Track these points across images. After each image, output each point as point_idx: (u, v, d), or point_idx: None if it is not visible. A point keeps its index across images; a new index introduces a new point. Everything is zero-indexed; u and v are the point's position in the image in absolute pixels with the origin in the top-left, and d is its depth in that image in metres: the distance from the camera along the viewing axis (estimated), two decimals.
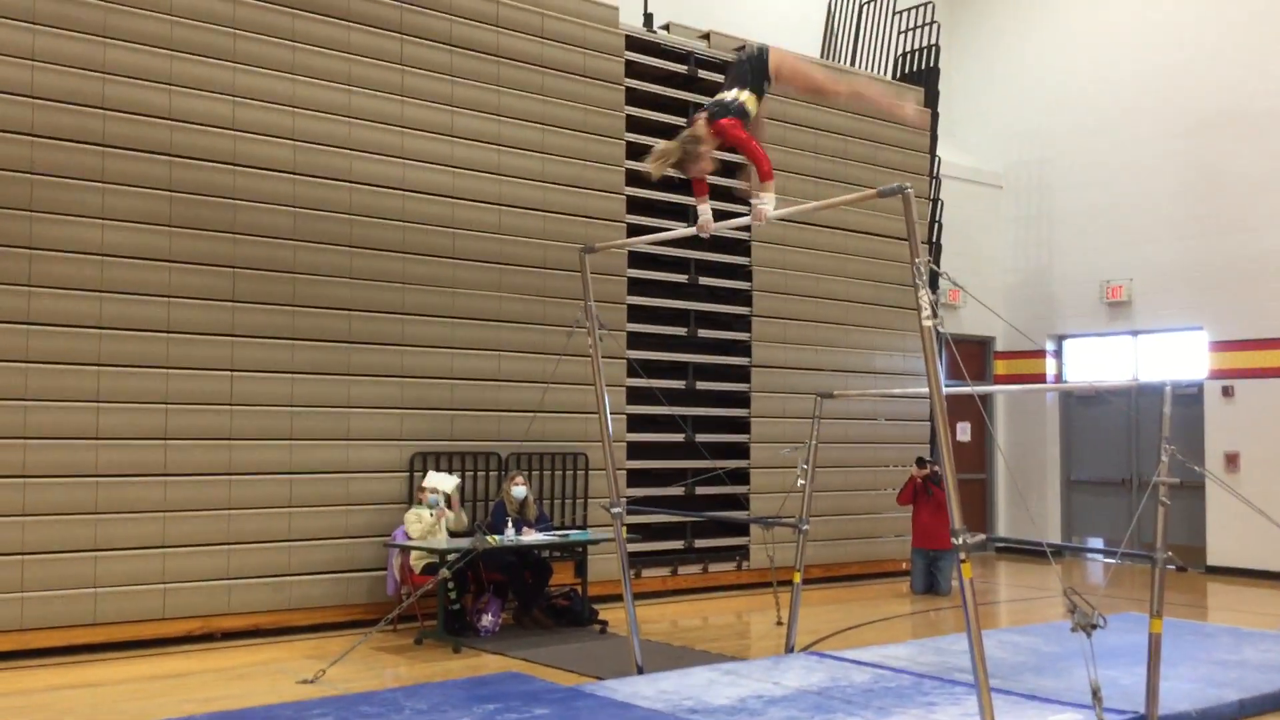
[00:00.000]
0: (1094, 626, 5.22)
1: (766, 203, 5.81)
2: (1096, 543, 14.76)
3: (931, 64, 13.86)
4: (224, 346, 8.60)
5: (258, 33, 8.82)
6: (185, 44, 8.50)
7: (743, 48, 6.32)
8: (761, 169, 5.79)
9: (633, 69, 11.02)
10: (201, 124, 8.56)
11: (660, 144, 6.03)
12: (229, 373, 8.61)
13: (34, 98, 7.89)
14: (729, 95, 5.94)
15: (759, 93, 6.00)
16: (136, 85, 8.29)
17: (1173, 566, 6.03)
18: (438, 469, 9.38)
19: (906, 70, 14.01)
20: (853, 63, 13.90)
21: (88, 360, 8.04)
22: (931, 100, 13.71)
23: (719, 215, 6.42)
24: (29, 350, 7.83)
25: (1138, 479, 13.95)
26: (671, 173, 6.03)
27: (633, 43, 11.07)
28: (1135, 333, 14.33)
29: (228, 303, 8.63)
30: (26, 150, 7.86)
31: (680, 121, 11.23)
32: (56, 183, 7.97)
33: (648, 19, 11.55)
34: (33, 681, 7.17)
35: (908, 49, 14.03)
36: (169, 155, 8.41)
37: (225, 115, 8.66)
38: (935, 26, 13.82)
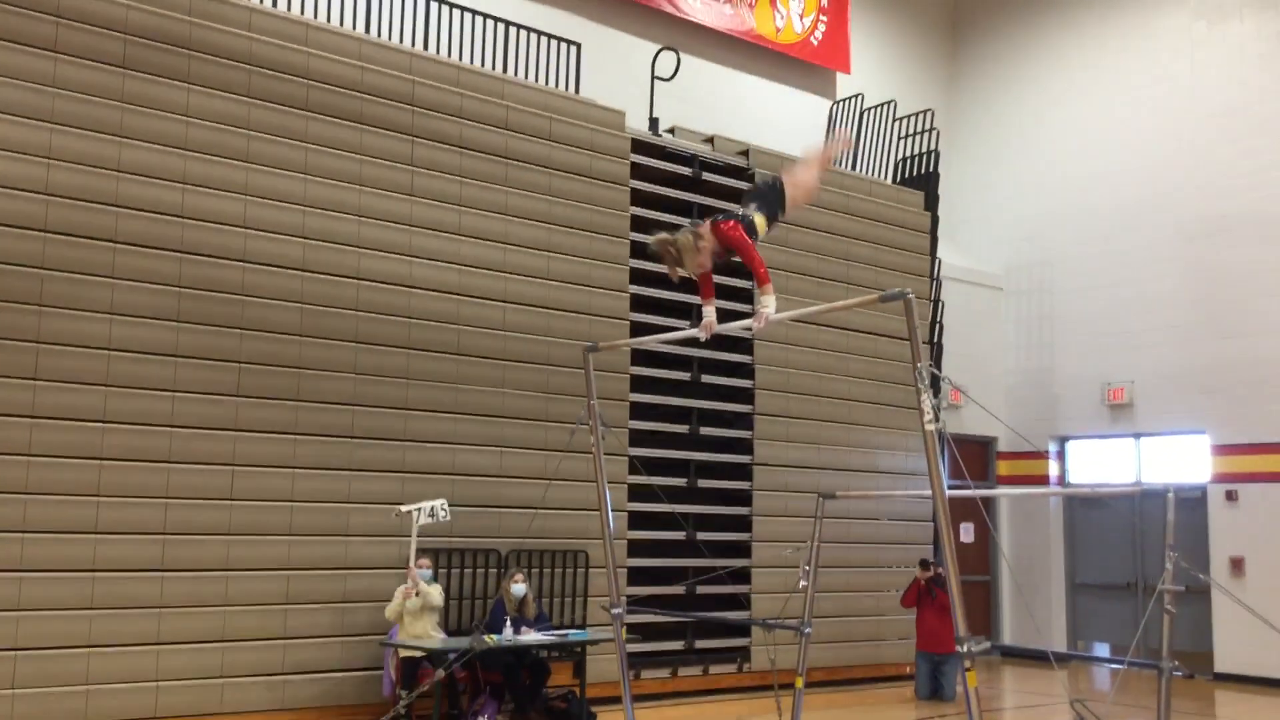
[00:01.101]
0: None
1: (767, 305, 5.89)
2: (1103, 646, 14.55)
3: (931, 169, 14.09)
4: (226, 441, 8.61)
5: (272, 134, 9.00)
6: (200, 144, 8.67)
7: (752, 177, 6.59)
8: (758, 273, 5.91)
9: (638, 171, 11.22)
10: (213, 222, 8.69)
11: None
12: (230, 468, 8.61)
13: (49, 195, 8.03)
14: (742, 210, 6.13)
15: (771, 219, 6.18)
16: (151, 184, 8.44)
17: (1180, 674, 5.95)
18: (436, 566, 9.30)
19: (907, 175, 14.24)
20: (854, 167, 14.14)
21: (90, 454, 8.04)
22: (932, 204, 13.91)
23: (722, 315, 6.49)
24: (31, 444, 7.84)
25: (1143, 582, 13.80)
26: (669, 270, 6.13)
27: (638, 145, 11.29)
28: (1138, 435, 14.32)
29: (232, 397, 8.67)
30: (39, 246, 7.97)
31: (685, 222, 11.42)
32: (66, 278, 8.06)
33: (653, 123, 11.79)
34: None
35: (908, 154, 14.27)
36: (180, 252, 8.52)
37: (237, 213, 8.80)
38: (935, 133, 14.09)
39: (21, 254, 7.90)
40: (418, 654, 8.50)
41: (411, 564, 8.70)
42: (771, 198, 6.24)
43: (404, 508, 8.79)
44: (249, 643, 8.53)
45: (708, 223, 6.00)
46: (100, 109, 8.27)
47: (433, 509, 8.86)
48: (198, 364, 8.54)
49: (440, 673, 7.90)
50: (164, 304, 8.44)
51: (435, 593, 8.79)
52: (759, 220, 6.08)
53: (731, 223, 5.94)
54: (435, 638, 8.69)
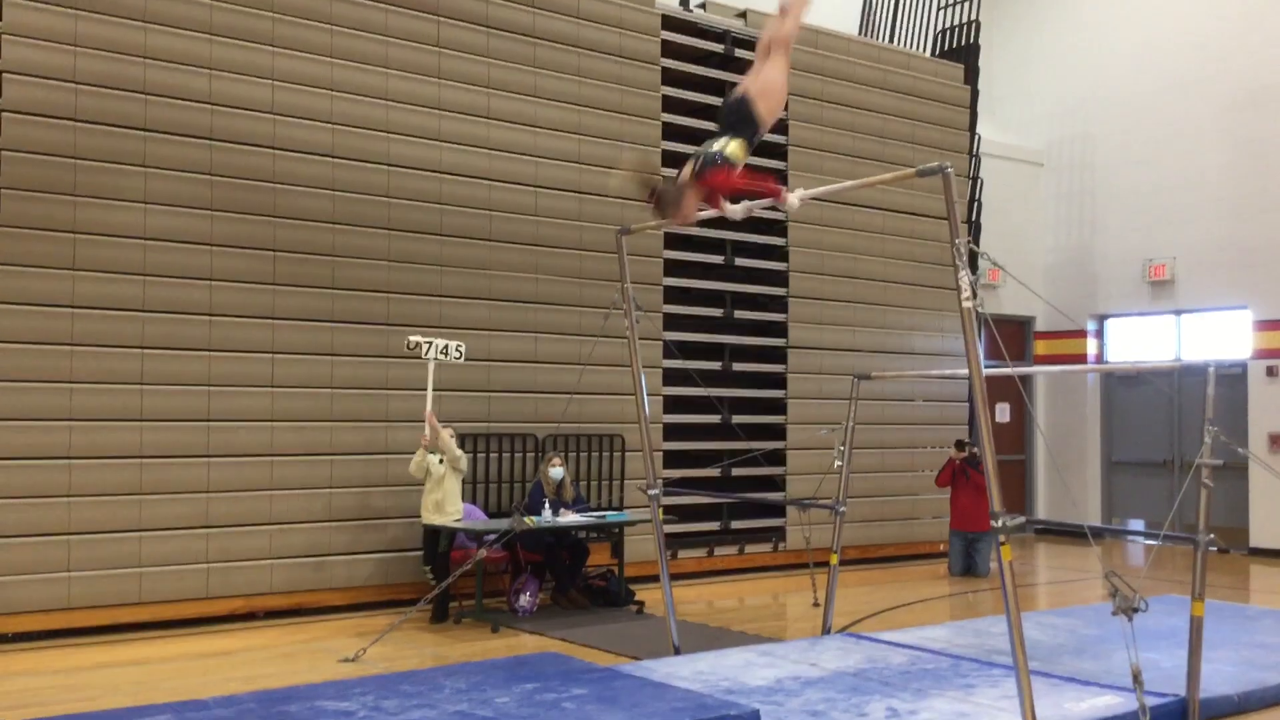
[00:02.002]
0: (1135, 610, 5.17)
1: (794, 191, 5.74)
2: (1138, 524, 14.63)
3: (972, 40, 13.70)
4: (265, 329, 8.69)
5: (296, 16, 8.86)
6: (224, 28, 8.56)
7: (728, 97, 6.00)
8: (772, 193, 5.69)
9: (669, 48, 10.98)
10: (241, 108, 8.63)
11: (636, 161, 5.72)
12: (270, 355, 8.70)
13: (77, 83, 7.98)
14: (715, 145, 5.61)
15: (749, 141, 5.69)
16: (177, 70, 8.37)
17: (1215, 549, 5.96)
18: (475, 451, 9.42)
19: (946, 47, 13.86)
20: (892, 39, 13.77)
21: (131, 343, 8.15)
22: (971, 77, 13.55)
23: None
24: (74, 334, 7.95)
25: (1180, 460, 13.79)
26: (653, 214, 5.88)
27: (669, 22, 11.02)
28: (1178, 312, 14.15)
29: (268, 285, 8.72)
30: (70, 135, 7.95)
31: (717, 101, 11.21)
32: (99, 167, 8.07)
33: None
34: (80, 659, 7.31)
35: (947, 25, 13.87)
36: (209, 139, 8.49)
37: (264, 99, 8.72)
38: (975, 2, 13.65)
39: (54, 143, 7.90)
40: (439, 523, 8.62)
41: (429, 407, 8.64)
42: (742, 115, 5.68)
43: (414, 338, 8.70)
44: (296, 525, 8.74)
45: (688, 172, 5.58)
46: None
47: (446, 347, 8.77)
48: (233, 252, 8.57)
49: (482, 551, 8.06)
50: (197, 192, 8.44)
51: (461, 455, 8.80)
52: (737, 149, 5.58)
53: (716, 171, 5.51)
54: (459, 507, 8.78)
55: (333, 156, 9.01)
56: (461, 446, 9.37)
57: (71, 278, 7.95)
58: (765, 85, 5.81)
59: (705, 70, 11.24)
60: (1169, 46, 14.14)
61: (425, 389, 8.69)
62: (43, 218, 7.85)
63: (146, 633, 8.02)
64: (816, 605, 9.02)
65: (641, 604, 9.10)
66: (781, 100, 5.95)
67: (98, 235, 8.06)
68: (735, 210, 5.98)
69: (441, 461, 8.73)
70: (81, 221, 7.99)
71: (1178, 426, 14.06)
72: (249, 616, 8.53)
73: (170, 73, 8.34)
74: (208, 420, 8.42)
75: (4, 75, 7.76)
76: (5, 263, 7.73)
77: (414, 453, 8.75)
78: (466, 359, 9.02)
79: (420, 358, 8.71)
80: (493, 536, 8.19)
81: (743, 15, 11.76)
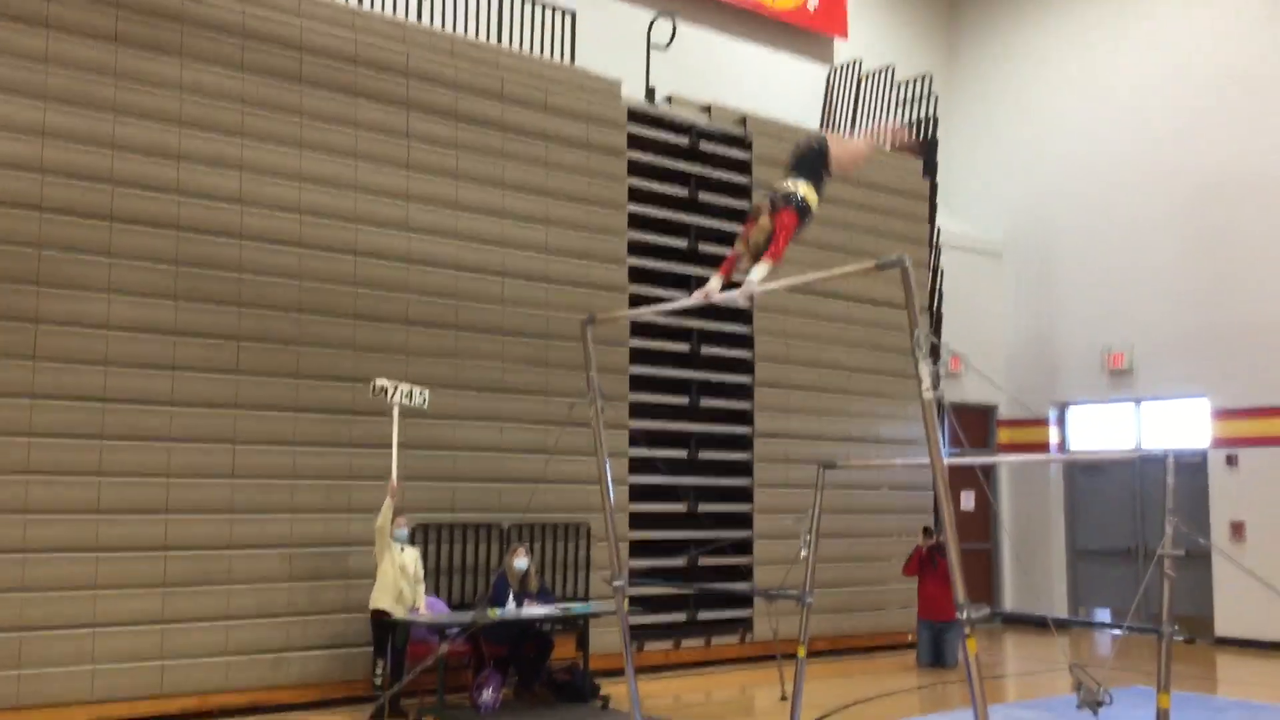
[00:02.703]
0: (1100, 704, 5.15)
1: (756, 273, 5.84)
2: (1104, 612, 14.61)
3: (930, 135, 14.02)
4: (226, 419, 8.60)
5: (265, 108, 8.94)
6: (193, 120, 8.61)
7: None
8: (772, 249, 5.84)
9: (635, 141, 11.16)
10: (209, 198, 8.65)
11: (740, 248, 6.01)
12: (231, 445, 8.60)
13: (43, 172, 7.98)
14: (791, 186, 5.95)
15: (818, 186, 6.04)
16: (145, 160, 8.39)
17: (1180, 639, 5.96)
18: (439, 541, 9.31)
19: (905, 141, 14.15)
20: (852, 133, 14.05)
21: (90, 434, 8.04)
22: (930, 170, 13.84)
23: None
24: (32, 424, 7.83)
25: (1144, 548, 13.83)
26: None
27: (635, 115, 11.22)
28: (1138, 400, 14.32)
29: (231, 374, 8.65)
30: (35, 225, 7.93)
31: (682, 192, 11.39)
32: (64, 257, 8.03)
33: (649, 92, 11.71)
34: None
35: (906, 120, 14.19)
36: (176, 229, 8.48)
37: (232, 189, 8.76)
38: (934, 99, 14.00)
39: (18, 233, 7.87)
40: (391, 612, 8.43)
41: (394, 454, 8.54)
42: (814, 160, 6.05)
43: (380, 382, 8.65)
44: (252, 620, 8.56)
45: (765, 210, 5.88)
46: (93, 85, 8.21)
47: (410, 392, 8.74)
48: (196, 341, 8.52)
49: (444, 646, 7.92)
50: (161, 282, 8.41)
51: (411, 558, 8.67)
52: (810, 196, 5.94)
53: (790, 213, 5.82)
54: (419, 597, 8.63)
55: (300, 246, 9.03)
56: (424, 536, 9.27)
57: (31, 367, 7.86)
58: (849, 146, 6.37)
59: (670, 162, 11.42)
60: (1124, 139, 14.52)
61: (390, 447, 8.56)
62: (5, 307, 7.79)
63: None
64: (784, 699, 8.89)
65: (607, 699, 8.95)
66: (853, 164, 6.48)
67: (60, 325, 7.99)
68: (712, 288, 6.08)
69: (403, 550, 8.60)
70: (44, 311, 7.93)
71: (1140, 515, 14.13)
72: (203, 715, 8.30)
73: (138, 163, 8.36)
74: (165, 512, 8.28)
75: None
76: None
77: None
78: (432, 448, 8.94)
79: (385, 403, 8.63)
80: (456, 630, 8.05)
81: (707, 110, 12.00)
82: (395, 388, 8.66)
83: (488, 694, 8.57)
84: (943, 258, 14.01)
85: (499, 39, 10.77)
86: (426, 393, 8.84)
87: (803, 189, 5.92)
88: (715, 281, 6.14)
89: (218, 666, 8.38)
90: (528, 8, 11.09)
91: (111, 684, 7.94)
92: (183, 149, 8.54)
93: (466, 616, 8.30)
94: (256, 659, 8.54)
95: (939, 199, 13.98)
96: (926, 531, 11.52)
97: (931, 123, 14.04)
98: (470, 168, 9.96)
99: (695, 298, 6.21)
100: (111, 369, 8.15)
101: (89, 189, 8.16)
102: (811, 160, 6.08)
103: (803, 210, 5.88)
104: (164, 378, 8.35)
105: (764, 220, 5.85)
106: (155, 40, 8.46)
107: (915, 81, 14.04)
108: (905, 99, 14.14)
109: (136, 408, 8.22)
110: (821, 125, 14.26)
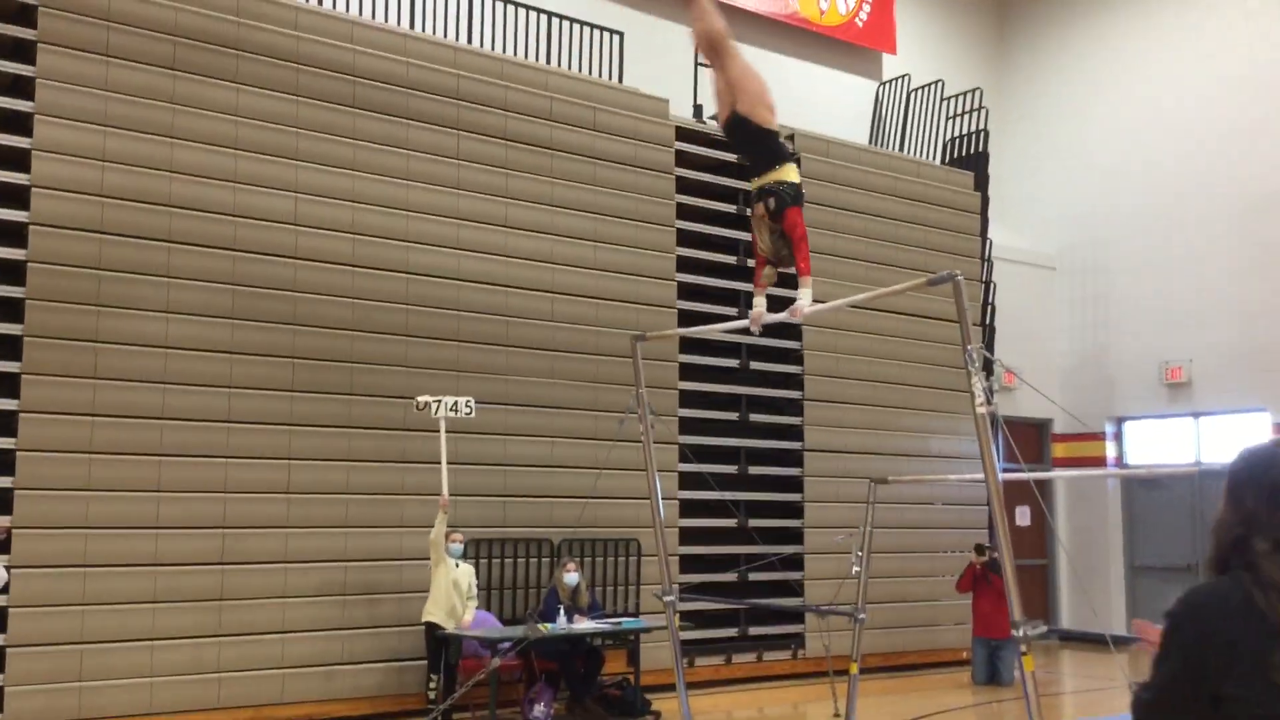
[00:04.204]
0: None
1: (803, 298, 5.80)
2: None
3: (981, 148, 13.92)
4: (282, 435, 8.73)
5: (319, 131, 9.10)
6: (249, 143, 8.78)
7: (730, 125, 5.94)
8: (800, 265, 5.73)
9: (683, 158, 11.20)
10: (264, 219, 8.81)
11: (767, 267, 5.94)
12: (286, 461, 8.73)
13: (104, 196, 8.18)
14: (773, 177, 5.75)
15: (782, 153, 5.88)
16: (203, 183, 8.57)
17: None
18: (490, 556, 9.37)
19: (956, 155, 14.08)
20: (902, 148, 14.00)
21: (150, 450, 8.20)
22: (981, 184, 13.74)
23: (775, 304, 6.42)
24: (93, 441, 8.00)
25: (1203, 564, 13.54)
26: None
27: (682, 133, 11.27)
28: (1196, 414, 14.08)
29: (286, 392, 8.78)
30: (95, 247, 8.12)
31: (730, 208, 11.41)
32: (123, 278, 8.21)
33: (697, 110, 11.75)
34: None
35: (957, 134, 14.11)
36: (232, 250, 8.65)
37: (287, 210, 8.91)
38: (984, 112, 13.91)
39: (79, 255, 8.06)
40: (443, 625, 8.48)
41: (444, 468, 8.49)
42: (755, 134, 5.82)
43: (423, 399, 8.62)
44: (307, 634, 8.66)
45: (763, 212, 5.74)
46: (152, 110, 8.40)
47: (455, 404, 8.65)
48: (252, 360, 8.66)
49: (496, 660, 7.96)
50: (218, 301, 8.57)
51: (465, 574, 8.69)
52: (791, 176, 5.73)
53: (796, 210, 5.65)
54: (469, 612, 8.66)
55: (353, 266, 9.16)
56: (476, 551, 9.34)
57: (93, 386, 8.04)
58: (743, 87, 5.80)
59: (719, 179, 11.44)
60: (1178, 153, 14.33)
61: (440, 467, 8.58)
62: (66, 328, 7.98)
63: None
64: (838, 716, 8.83)
65: (658, 714, 8.94)
66: (763, 85, 5.89)
67: (120, 344, 8.17)
68: (759, 313, 6.05)
69: (457, 565, 8.66)
70: (104, 330, 8.11)
71: (1200, 530, 13.85)
72: None
73: (195, 186, 8.54)
74: (222, 527, 8.42)
75: (33, 189, 7.96)
76: (28, 372, 7.84)
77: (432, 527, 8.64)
78: (483, 464, 8.99)
79: (430, 417, 8.59)
80: (507, 645, 8.09)
81: None
82: (439, 401, 8.68)
83: (539, 709, 8.60)
84: (995, 271, 13.89)
85: (548, 60, 10.88)
86: (473, 402, 8.87)
87: (781, 175, 5.72)
88: (760, 303, 6.10)
89: (274, 679, 8.48)
90: (576, 29, 11.19)
91: (170, 696, 8.07)
92: (239, 171, 8.72)
93: (518, 631, 8.33)
94: (311, 672, 8.64)
95: (991, 213, 13.87)
96: (979, 549, 11.38)
97: (983, 136, 13.95)
98: (520, 187, 10.05)
99: (749, 324, 6.17)
100: (169, 388, 8.31)
101: (148, 211, 8.34)
102: (755, 140, 5.83)
103: (798, 197, 5.70)
104: (221, 395, 8.50)
105: (767, 237, 5.75)
106: (211, 66, 8.65)
107: (965, 95, 13.96)
108: (955, 113, 14.07)
109: (194, 425, 8.38)
110: (871, 139, 14.21)
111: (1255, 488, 2.20)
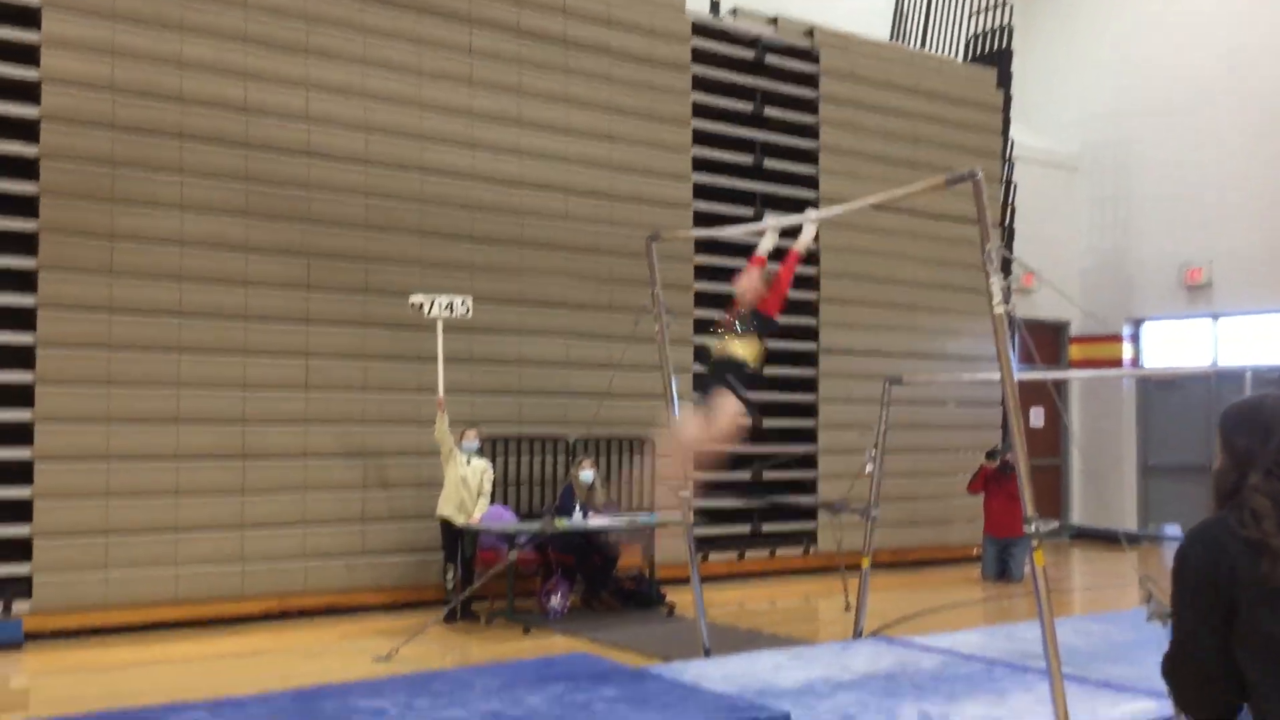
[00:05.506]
0: (1170, 616, 5.12)
1: (807, 233, 6.13)
2: (1174, 529, 14.45)
3: (1004, 45, 13.63)
4: (299, 332, 8.78)
5: (330, 25, 8.96)
6: (260, 37, 8.66)
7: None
8: (774, 300, 6.41)
9: (699, 55, 11.00)
10: (276, 115, 8.73)
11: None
12: (304, 357, 8.79)
13: (114, 90, 8.10)
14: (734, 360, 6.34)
15: (755, 330, 6.44)
16: (213, 78, 8.48)
17: None
18: (506, 453, 9.46)
19: (978, 52, 13.79)
20: (924, 44, 13.72)
21: (168, 345, 8.26)
22: (1004, 82, 13.48)
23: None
24: (111, 336, 8.06)
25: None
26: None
27: (699, 28, 11.04)
28: (1215, 315, 14.00)
29: (302, 289, 8.80)
30: (107, 143, 8.07)
31: (747, 107, 11.23)
32: (136, 174, 8.18)
33: (714, 5, 11.51)
34: (116, 657, 7.42)
35: (980, 30, 13.80)
36: (245, 146, 8.59)
37: (299, 107, 8.82)
38: (1008, 7, 13.58)
39: (92, 151, 8.02)
40: (453, 519, 8.58)
41: (440, 368, 8.48)
42: (728, 368, 6.31)
43: (416, 299, 8.54)
44: (329, 525, 8.82)
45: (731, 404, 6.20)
46: (161, 4, 8.28)
47: (450, 303, 8.58)
48: (268, 257, 8.67)
49: (513, 553, 8.10)
50: (232, 198, 8.54)
51: (475, 471, 8.70)
52: (751, 349, 6.33)
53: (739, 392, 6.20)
54: (479, 509, 8.68)
55: (366, 162, 9.10)
56: (492, 449, 9.43)
57: (109, 282, 8.07)
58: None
59: (735, 76, 11.25)
60: (1203, 52, 14.00)
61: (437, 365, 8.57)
62: (80, 223, 7.98)
63: (182, 631, 8.11)
64: (848, 609, 8.98)
65: (672, 606, 9.11)
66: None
67: (135, 240, 8.17)
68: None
69: (469, 461, 8.70)
70: (119, 227, 8.11)
71: (1214, 432, 13.83)
72: (282, 615, 8.61)
73: (206, 81, 8.45)
74: (243, 422, 8.52)
75: (43, 84, 7.89)
76: (44, 267, 7.86)
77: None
78: (498, 362, 9.02)
79: (424, 318, 8.55)
80: (524, 538, 8.23)
81: (773, 21, 11.77)
82: (433, 301, 8.57)
83: (556, 600, 8.77)
84: (1016, 171, 13.71)
85: None
86: (469, 301, 8.79)
87: (743, 352, 6.31)
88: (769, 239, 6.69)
89: (296, 570, 8.67)
90: None
91: (194, 586, 8.26)
92: (249, 67, 8.61)
93: (535, 526, 8.46)
94: (332, 563, 8.82)
95: (1013, 111, 13.63)
96: (990, 454, 11.40)
97: (1006, 32, 13.64)
98: (534, 83, 9.91)
99: (764, 241, 6.66)
100: (186, 283, 8.33)
101: (159, 107, 8.27)
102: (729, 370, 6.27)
103: (753, 373, 6.29)
104: (237, 292, 8.53)
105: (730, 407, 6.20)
106: None
107: None
108: (979, 9, 13.74)
109: (212, 321, 8.42)
110: (892, 35, 13.91)
111: (1248, 427, 2.37)
